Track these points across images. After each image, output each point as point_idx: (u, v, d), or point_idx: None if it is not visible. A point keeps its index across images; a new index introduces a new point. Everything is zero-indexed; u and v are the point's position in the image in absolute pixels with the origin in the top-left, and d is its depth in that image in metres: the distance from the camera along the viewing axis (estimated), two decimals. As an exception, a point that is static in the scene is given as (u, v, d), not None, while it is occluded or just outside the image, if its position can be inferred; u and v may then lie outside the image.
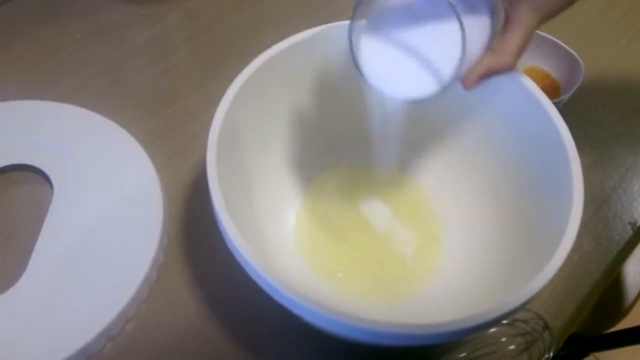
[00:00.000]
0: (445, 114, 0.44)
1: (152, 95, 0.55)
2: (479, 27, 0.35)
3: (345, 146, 0.48)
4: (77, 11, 0.62)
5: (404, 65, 0.36)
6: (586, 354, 0.86)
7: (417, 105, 0.36)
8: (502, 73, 0.36)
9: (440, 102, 0.41)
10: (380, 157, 0.48)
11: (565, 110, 0.40)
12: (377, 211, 0.46)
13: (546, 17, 0.35)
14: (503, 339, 0.41)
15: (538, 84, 0.40)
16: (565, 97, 0.51)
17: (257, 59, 0.40)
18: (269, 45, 0.41)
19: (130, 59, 0.58)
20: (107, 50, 0.59)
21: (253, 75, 0.39)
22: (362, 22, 0.37)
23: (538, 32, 0.55)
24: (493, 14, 0.35)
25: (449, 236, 0.44)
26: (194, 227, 0.47)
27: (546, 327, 0.42)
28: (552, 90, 0.55)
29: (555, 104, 0.39)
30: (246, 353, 0.41)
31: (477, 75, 0.35)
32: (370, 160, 0.48)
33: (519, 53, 0.35)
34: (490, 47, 0.35)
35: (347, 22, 0.42)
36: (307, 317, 0.31)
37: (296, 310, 0.31)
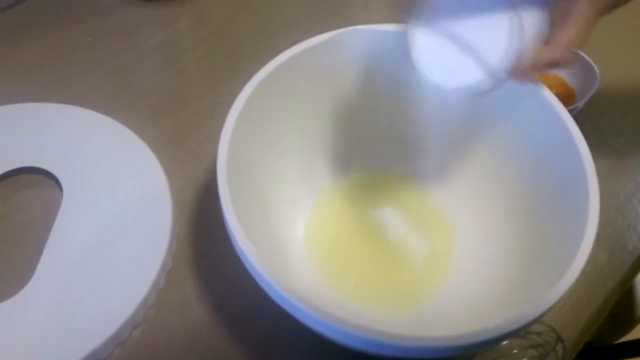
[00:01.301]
0: (459, 122, 0.44)
1: (163, 98, 0.55)
2: (534, 18, 0.34)
3: (358, 152, 0.48)
4: (89, 14, 0.62)
5: (455, 57, 0.36)
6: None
7: (468, 96, 0.36)
8: (557, 66, 0.35)
9: (456, 111, 0.41)
10: (393, 163, 0.48)
11: (579, 118, 0.39)
12: (389, 219, 0.45)
13: (604, 10, 0.34)
14: (515, 351, 0.41)
15: (553, 91, 0.39)
16: (580, 104, 0.51)
17: (269, 64, 0.39)
18: (280, 49, 0.40)
19: (141, 62, 0.58)
20: (118, 53, 0.59)
21: (265, 80, 0.39)
22: (415, 15, 0.37)
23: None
24: (549, 5, 0.35)
25: (462, 245, 0.44)
26: (203, 232, 0.46)
27: (559, 339, 0.41)
28: (566, 97, 0.54)
29: (570, 111, 0.38)
30: (256, 358, 0.40)
31: (528, 68, 0.34)
32: (383, 167, 0.48)
33: (576, 46, 0.34)
34: (546, 39, 0.35)
35: (362, 27, 0.42)
36: (317, 328, 0.31)
37: (305, 321, 0.31)
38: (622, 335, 0.86)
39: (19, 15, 0.62)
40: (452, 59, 0.36)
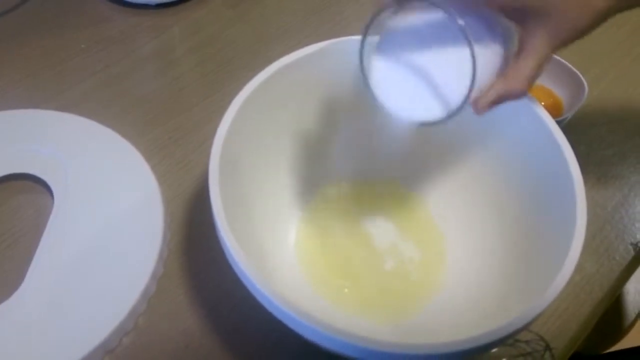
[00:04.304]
0: (449, 132, 0.44)
1: (156, 106, 0.55)
2: (490, 52, 0.34)
3: (348, 160, 0.48)
4: (83, 21, 0.62)
5: (414, 88, 0.36)
6: (586, 374, 0.86)
7: (425, 127, 0.36)
8: (513, 99, 0.35)
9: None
10: (384, 172, 0.48)
11: (568, 129, 0.40)
12: (380, 227, 0.46)
13: (560, 44, 0.34)
14: (503, 359, 0.41)
15: (541, 102, 0.40)
16: (568, 115, 0.51)
17: (261, 73, 0.40)
18: (273, 58, 0.41)
19: (135, 70, 0.58)
20: (112, 60, 0.59)
21: (257, 88, 0.39)
22: (373, 42, 0.37)
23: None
24: (506, 39, 0.35)
25: (453, 253, 0.44)
26: (195, 240, 0.46)
27: (547, 348, 0.41)
28: (554, 109, 0.55)
29: (558, 122, 0.39)
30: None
31: (487, 101, 0.34)
32: (373, 175, 0.48)
33: (532, 80, 0.35)
34: (503, 72, 0.35)
35: (352, 38, 0.42)
36: (310, 337, 0.31)
37: (299, 330, 0.31)
38: (611, 345, 0.86)
39: (12, 22, 0.62)
40: (408, 88, 0.36)
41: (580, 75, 0.54)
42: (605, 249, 0.48)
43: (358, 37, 0.42)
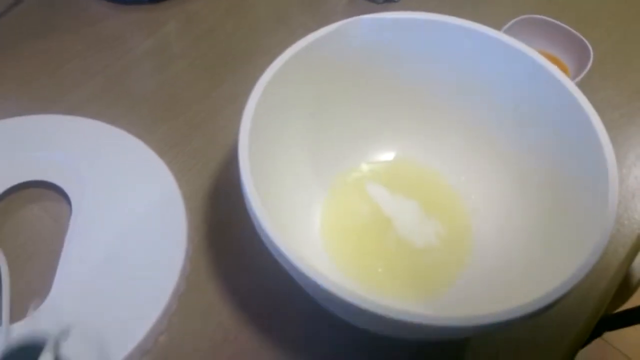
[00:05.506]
0: (468, 107, 0.44)
1: (161, 102, 0.54)
2: None
3: (367, 141, 0.48)
4: (75, 22, 0.61)
5: None
6: (601, 334, 0.87)
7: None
8: None
9: (464, 96, 0.41)
10: (403, 150, 0.48)
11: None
12: (403, 205, 0.46)
13: None
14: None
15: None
16: (576, 81, 0.52)
17: (282, 56, 0.39)
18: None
19: (135, 68, 0.57)
20: (112, 59, 0.57)
21: (279, 71, 0.38)
22: None
23: (545, 17, 0.56)
24: None
25: (479, 226, 0.44)
26: (218, 235, 0.46)
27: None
28: (561, 75, 0.55)
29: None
30: (287, 356, 0.40)
31: None
32: (393, 154, 0.48)
33: None
34: None
35: (368, 16, 0.42)
36: (361, 318, 0.31)
37: (350, 313, 0.31)
38: (621, 304, 0.88)
39: (4, 29, 0.60)
40: None
41: (585, 40, 0.54)
42: (624, 209, 0.49)
43: (373, 16, 0.42)
